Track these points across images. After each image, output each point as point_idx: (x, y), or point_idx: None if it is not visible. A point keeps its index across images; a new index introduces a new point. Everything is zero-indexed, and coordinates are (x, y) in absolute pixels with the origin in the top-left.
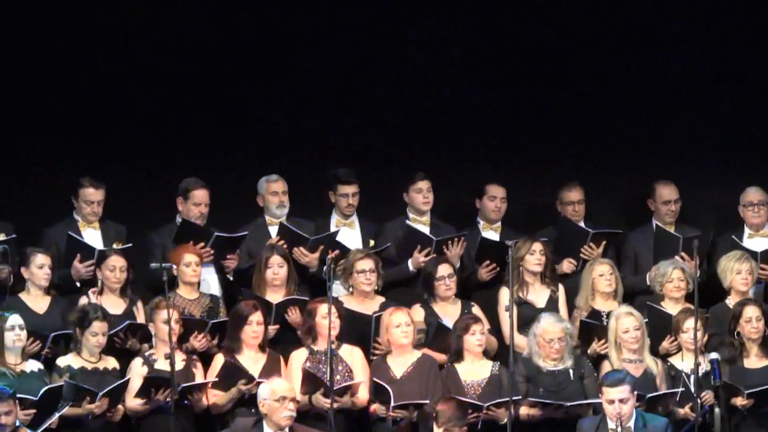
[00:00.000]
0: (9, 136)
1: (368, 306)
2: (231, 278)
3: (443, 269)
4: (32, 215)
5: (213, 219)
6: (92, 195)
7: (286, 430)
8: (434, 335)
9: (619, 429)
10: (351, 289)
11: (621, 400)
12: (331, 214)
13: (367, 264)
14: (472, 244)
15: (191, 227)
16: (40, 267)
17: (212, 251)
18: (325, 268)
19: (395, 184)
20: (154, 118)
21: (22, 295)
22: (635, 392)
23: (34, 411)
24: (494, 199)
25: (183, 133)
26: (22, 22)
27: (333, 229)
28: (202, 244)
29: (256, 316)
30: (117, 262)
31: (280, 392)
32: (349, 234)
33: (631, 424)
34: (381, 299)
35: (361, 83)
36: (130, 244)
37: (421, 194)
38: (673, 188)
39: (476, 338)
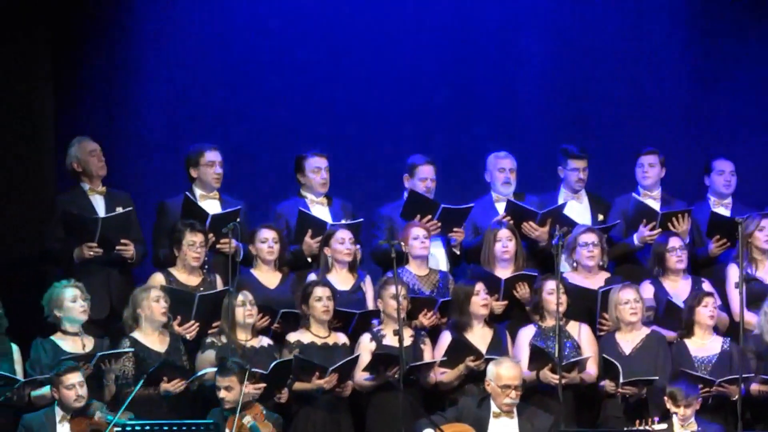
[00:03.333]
0: (240, 118)
1: (593, 281)
2: (458, 252)
3: (674, 241)
4: (261, 193)
5: (440, 196)
6: (318, 161)
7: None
8: (664, 312)
9: None
10: (575, 264)
11: None
12: (558, 190)
13: (590, 237)
14: (703, 220)
15: (418, 198)
16: (263, 241)
17: (439, 224)
18: (553, 242)
19: (625, 158)
20: (372, 98)
21: (254, 271)
22: None
23: (264, 385)
24: (723, 173)
25: (413, 112)
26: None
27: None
28: (429, 216)
29: (480, 286)
30: (346, 234)
31: (505, 380)
32: (578, 208)
33: None
34: (606, 275)
35: (588, 60)
36: (361, 219)
37: (642, 169)
38: None
39: (708, 310)
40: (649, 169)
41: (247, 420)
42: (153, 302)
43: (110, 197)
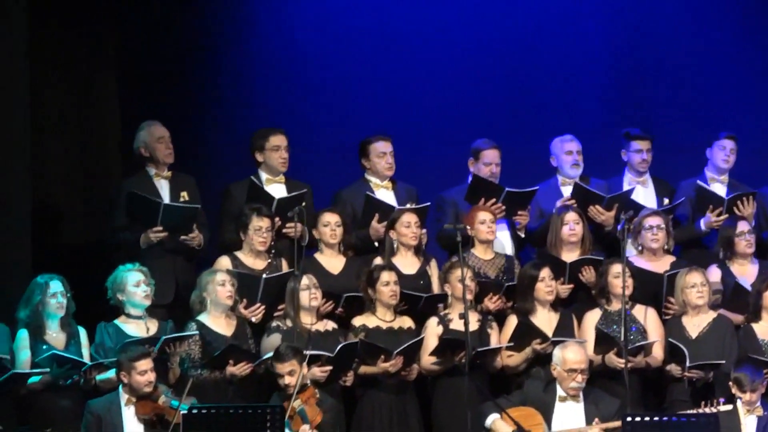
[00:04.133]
0: (304, 102)
1: (658, 265)
2: (522, 235)
3: (742, 225)
4: (325, 177)
5: (505, 181)
6: (384, 146)
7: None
8: (731, 295)
9: None
10: (640, 248)
11: None
12: (623, 174)
13: (654, 220)
14: None
15: (482, 183)
16: (325, 225)
17: (503, 207)
18: (618, 226)
19: (686, 144)
20: (436, 82)
21: (318, 255)
22: None
23: (330, 368)
24: None
25: (476, 98)
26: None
27: (626, 188)
28: (494, 200)
29: (546, 273)
30: (411, 218)
31: (570, 364)
32: (643, 192)
33: None
34: (671, 258)
35: (651, 43)
36: (428, 203)
37: (724, 152)
38: None
39: None
40: (731, 153)
41: (297, 404)
42: (218, 286)
43: (175, 181)
